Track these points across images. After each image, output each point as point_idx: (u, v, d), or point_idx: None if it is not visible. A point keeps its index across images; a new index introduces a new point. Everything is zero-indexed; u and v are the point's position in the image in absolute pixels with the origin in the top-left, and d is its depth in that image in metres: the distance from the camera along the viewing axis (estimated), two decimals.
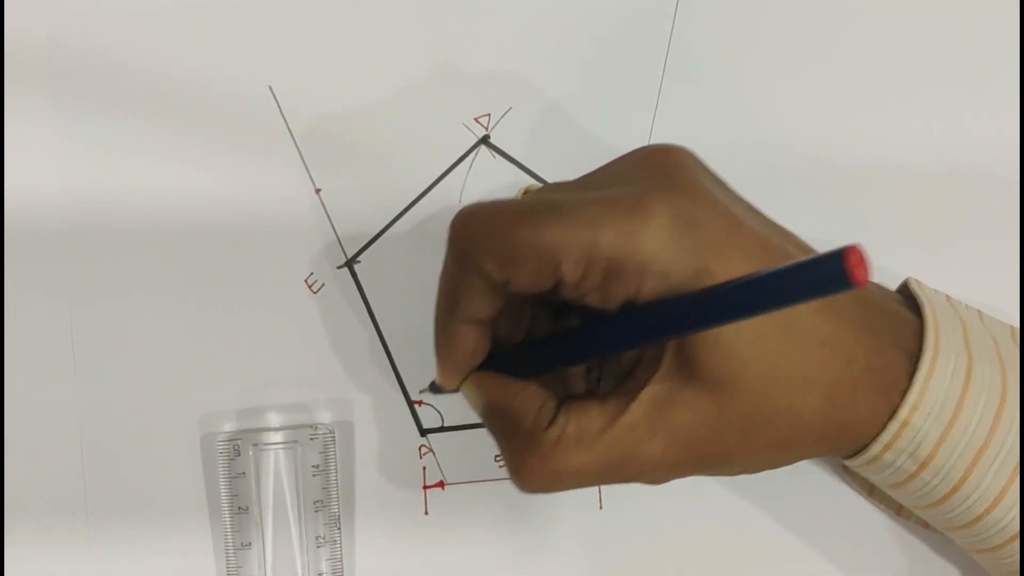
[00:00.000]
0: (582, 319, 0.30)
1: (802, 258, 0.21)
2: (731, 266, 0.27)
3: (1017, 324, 0.38)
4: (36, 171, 0.34)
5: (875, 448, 0.29)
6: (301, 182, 0.35)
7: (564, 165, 0.36)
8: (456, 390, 0.31)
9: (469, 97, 0.36)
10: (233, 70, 0.35)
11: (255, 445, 0.34)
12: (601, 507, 0.36)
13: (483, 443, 0.36)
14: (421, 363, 0.36)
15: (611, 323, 0.28)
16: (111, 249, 0.34)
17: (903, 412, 0.28)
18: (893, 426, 0.29)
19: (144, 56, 0.35)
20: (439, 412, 0.36)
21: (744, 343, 0.27)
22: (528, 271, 0.27)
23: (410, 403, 0.36)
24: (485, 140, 0.36)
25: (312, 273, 0.35)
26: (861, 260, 0.20)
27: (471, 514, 0.36)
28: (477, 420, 0.35)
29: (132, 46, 0.35)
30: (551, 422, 0.28)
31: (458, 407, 0.36)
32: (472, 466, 0.36)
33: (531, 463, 0.28)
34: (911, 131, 0.37)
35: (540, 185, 0.35)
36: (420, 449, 0.36)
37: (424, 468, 0.36)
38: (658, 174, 0.28)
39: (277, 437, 0.34)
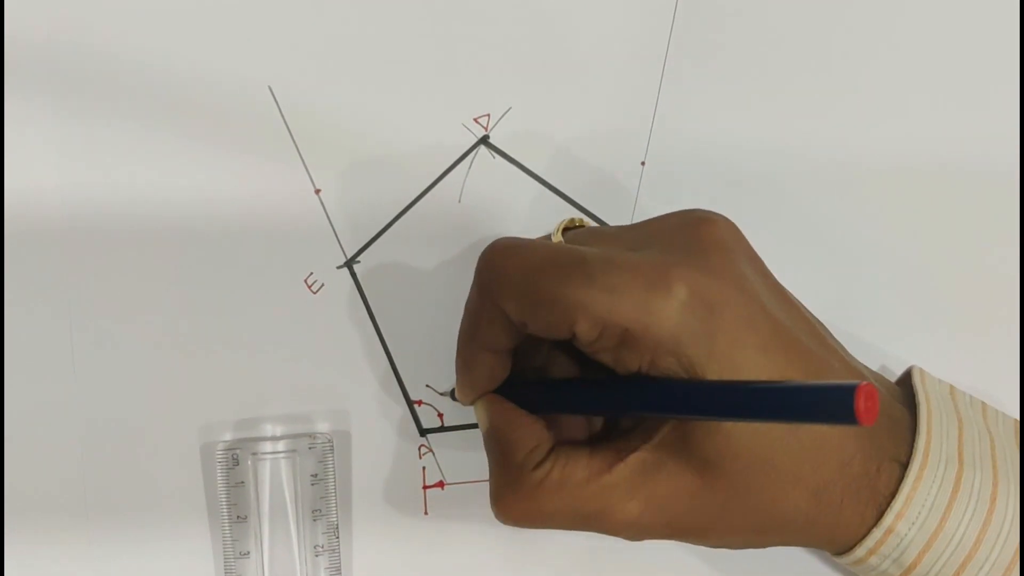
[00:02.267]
0: (592, 371, 0.30)
1: (811, 382, 0.22)
2: (745, 355, 0.27)
3: (1018, 323, 0.38)
4: (36, 171, 0.34)
5: (859, 551, 0.29)
6: (301, 182, 0.35)
7: (564, 165, 0.36)
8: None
9: (469, 97, 0.36)
10: (233, 70, 0.35)
11: (254, 454, 0.34)
12: None
13: (483, 443, 0.36)
14: (421, 363, 0.36)
15: (618, 386, 0.28)
16: (111, 249, 0.34)
17: (887, 519, 0.28)
18: (877, 532, 0.28)
19: (144, 56, 0.35)
20: (439, 412, 0.36)
21: (742, 432, 0.27)
22: (544, 321, 0.28)
23: (409, 403, 0.36)
24: (485, 140, 0.36)
25: (312, 273, 0.35)
26: (871, 401, 0.20)
27: (471, 514, 0.36)
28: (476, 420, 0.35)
29: (132, 46, 0.35)
30: (539, 463, 0.29)
31: (458, 407, 0.36)
32: (472, 466, 0.36)
33: (509, 497, 0.29)
34: (911, 131, 0.37)
35: (583, 218, 0.35)
36: (420, 449, 0.36)
37: (424, 468, 0.36)
38: (693, 248, 0.28)
39: (276, 446, 0.34)
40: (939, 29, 0.37)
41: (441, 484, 0.36)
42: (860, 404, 0.20)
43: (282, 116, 0.35)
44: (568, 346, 0.30)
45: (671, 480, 0.28)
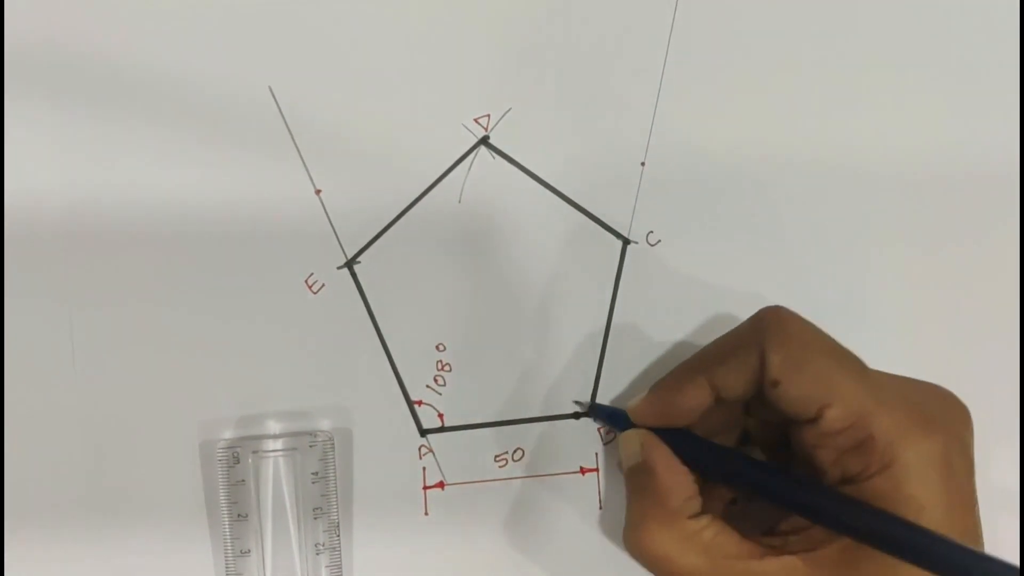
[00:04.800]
0: (783, 466, 0.32)
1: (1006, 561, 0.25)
2: (955, 521, 0.28)
3: (1017, 326, 0.38)
4: (36, 171, 0.34)
5: None
6: (301, 182, 0.35)
7: (564, 165, 0.36)
8: (624, 428, 0.33)
9: (469, 97, 0.36)
10: (233, 70, 0.35)
11: (254, 452, 0.34)
12: (601, 507, 0.36)
13: (483, 443, 0.36)
14: (421, 363, 0.36)
15: (819, 492, 0.29)
16: (111, 249, 0.34)
17: None
18: None
19: (144, 56, 0.35)
20: (439, 412, 0.36)
21: None
22: (802, 389, 0.29)
23: (410, 403, 0.36)
24: (485, 140, 0.36)
25: (312, 273, 0.35)
26: None
27: (471, 514, 0.36)
28: (477, 421, 0.35)
29: (132, 46, 0.35)
30: (695, 515, 0.30)
31: (458, 408, 0.36)
32: (472, 466, 0.36)
33: (657, 535, 0.30)
34: (911, 131, 0.37)
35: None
36: (420, 449, 0.36)
37: (424, 468, 0.36)
38: (947, 416, 0.30)
39: (276, 444, 0.34)
40: (939, 30, 0.37)
41: (441, 484, 0.36)
42: None
43: (282, 116, 0.35)
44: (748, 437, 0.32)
45: None
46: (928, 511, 0.27)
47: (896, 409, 0.28)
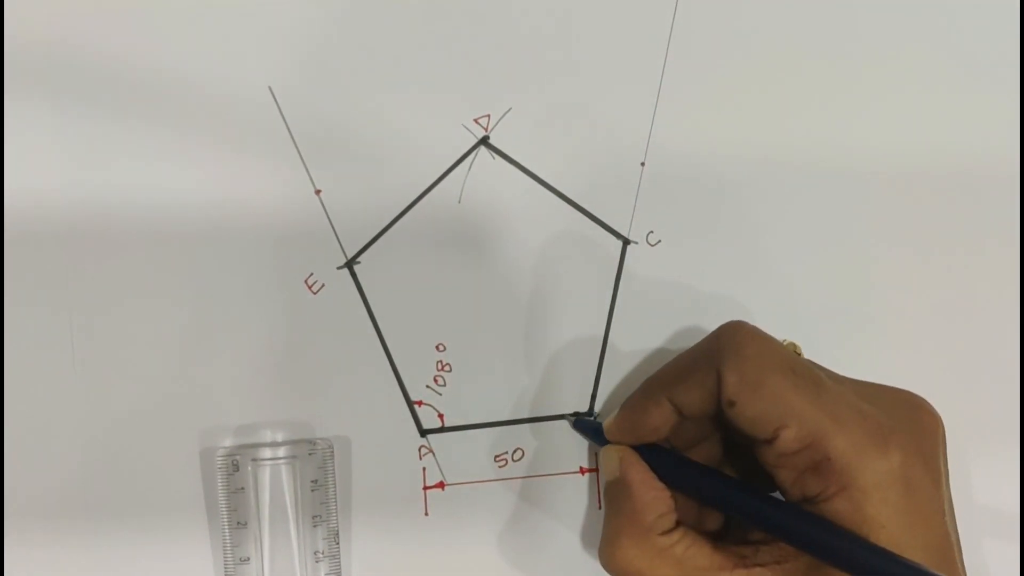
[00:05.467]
0: (747, 476, 0.32)
1: None
2: (916, 541, 0.28)
3: (1016, 326, 0.38)
4: (36, 171, 0.34)
5: None
6: (301, 182, 0.35)
7: (564, 165, 0.36)
8: (601, 444, 0.33)
9: (469, 97, 0.36)
10: (233, 70, 0.35)
11: (254, 460, 0.34)
12: (600, 507, 0.36)
13: (483, 444, 0.36)
14: (421, 363, 0.36)
15: (781, 508, 0.29)
16: (111, 249, 0.34)
17: None
18: None
19: (144, 56, 0.35)
20: (439, 413, 0.36)
21: None
22: (756, 409, 0.28)
23: (410, 403, 0.36)
24: (485, 140, 0.36)
25: (312, 274, 0.35)
26: None
27: (471, 515, 0.36)
28: (477, 421, 0.35)
29: (132, 46, 0.35)
30: (667, 531, 0.30)
31: (458, 408, 0.36)
32: (472, 466, 0.36)
33: (630, 551, 0.30)
34: (911, 131, 0.37)
35: (799, 345, 0.35)
36: (420, 450, 0.36)
37: (424, 469, 0.36)
38: (911, 427, 0.30)
39: (276, 452, 0.34)
40: (939, 29, 0.37)
41: (441, 485, 0.36)
42: None
43: (282, 116, 0.35)
44: (718, 438, 0.32)
45: None
46: (888, 529, 0.27)
47: (852, 429, 0.28)
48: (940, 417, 0.31)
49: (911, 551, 0.27)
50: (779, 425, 0.28)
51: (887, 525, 0.28)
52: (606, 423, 0.33)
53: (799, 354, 0.34)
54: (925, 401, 0.31)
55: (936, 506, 0.29)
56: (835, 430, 0.28)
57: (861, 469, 0.28)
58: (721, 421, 0.30)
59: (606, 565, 0.31)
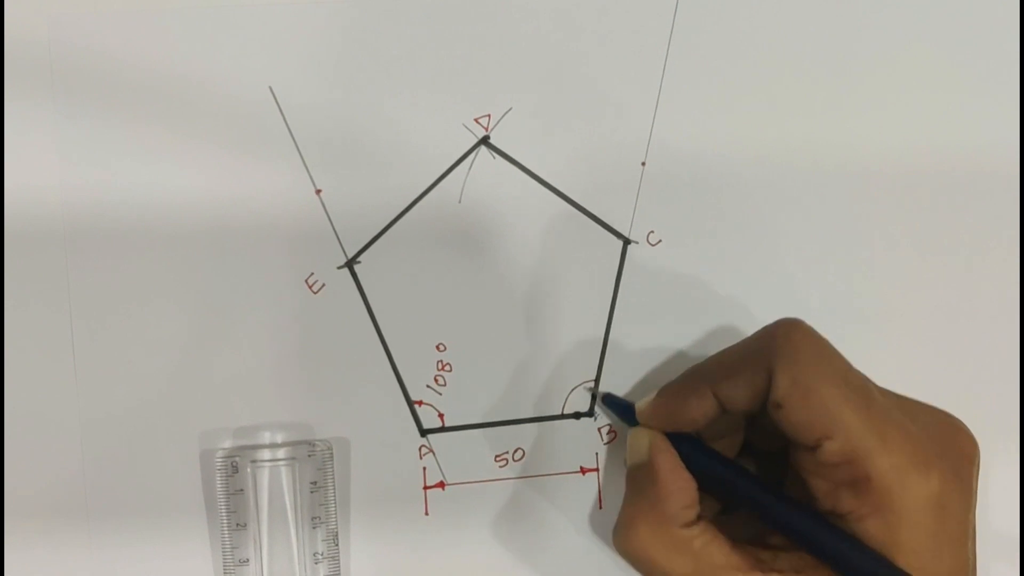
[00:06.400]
0: (777, 485, 0.32)
1: None
2: (943, 565, 0.28)
3: (1016, 324, 0.38)
4: (36, 171, 0.34)
5: None
6: (301, 182, 0.35)
7: (564, 165, 0.36)
8: (632, 423, 0.33)
9: (469, 97, 0.36)
10: (233, 70, 0.35)
11: (253, 462, 0.34)
12: (601, 507, 0.36)
13: (483, 443, 0.36)
14: (421, 363, 0.36)
15: (815, 521, 0.29)
16: (111, 249, 0.34)
17: None
18: None
19: (144, 56, 0.35)
20: (439, 412, 0.36)
21: None
22: (805, 415, 0.28)
23: (410, 403, 0.36)
24: (485, 140, 0.36)
25: (312, 273, 0.35)
26: None
27: (471, 514, 0.36)
28: (477, 421, 0.35)
29: (132, 46, 0.35)
30: (688, 524, 0.30)
31: (458, 408, 0.36)
32: (472, 466, 0.36)
33: (647, 537, 0.30)
34: (911, 131, 0.37)
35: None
36: (420, 450, 0.36)
37: (424, 468, 0.36)
38: (949, 451, 0.29)
39: (275, 454, 0.34)
40: (939, 29, 0.37)
41: (442, 484, 0.36)
42: None
43: (282, 116, 0.35)
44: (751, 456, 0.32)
45: None
46: (918, 554, 0.27)
47: (896, 450, 0.27)
48: (977, 442, 0.30)
49: (942, 569, 0.27)
50: (824, 435, 0.28)
51: (917, 550, 0.27)
52: (640, 405, 0.32)
53: None
54: (964, 424, 0.31)
55: (964, 531, 0.28)
56: (880, 449, 0.27)
57: (900, 493, 0.27)
58: (755, 417, 0.30)
59: (619, 546, 0.30)
